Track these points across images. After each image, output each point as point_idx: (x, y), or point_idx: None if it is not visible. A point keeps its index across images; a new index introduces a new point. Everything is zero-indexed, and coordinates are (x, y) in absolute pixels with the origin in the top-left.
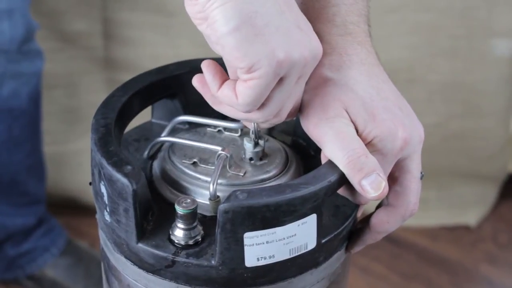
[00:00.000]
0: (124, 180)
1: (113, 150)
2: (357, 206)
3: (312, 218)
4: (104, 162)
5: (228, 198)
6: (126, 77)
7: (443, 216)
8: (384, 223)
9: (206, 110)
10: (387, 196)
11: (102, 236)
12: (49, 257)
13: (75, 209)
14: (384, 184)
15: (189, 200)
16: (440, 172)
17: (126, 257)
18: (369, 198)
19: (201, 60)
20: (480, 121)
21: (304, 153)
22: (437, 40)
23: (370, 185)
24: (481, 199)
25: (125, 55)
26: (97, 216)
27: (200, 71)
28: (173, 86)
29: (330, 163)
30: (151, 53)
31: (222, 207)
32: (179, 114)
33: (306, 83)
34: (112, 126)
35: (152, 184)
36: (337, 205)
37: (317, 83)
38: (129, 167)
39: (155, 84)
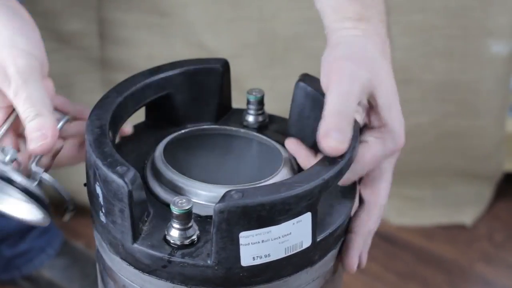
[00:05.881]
0: (119, 181)
1: (108, 151)
2: (351, 205)
3: (307, 217)
4: (99, 163)
5: (223, 198)
6: (122, 77)
7: (439, 216)
8: (366, 222)
9: (197, 110)
10: (361, 197)
11: (97, 237)
12: (45, 258)
13: None
14: (346, 146)
15: (184, 200)
16: (436, 171)
17: (121, 258)
18: (328, 146)
19: (194, 60)
20: (475, 120)
21: None
22: (431, 40)
23: (336, 138)
24: (477, 198)
25: (120, 55)
26: (92, 217)
27: (192, 71)
28: (166, 87)
29: (323, 161)
30: (146, 53)
31: (217, 207)
32: (172, 115)
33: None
34: (107, 128)
35: (146, 184)
36: (331, 203)
37: (360, 49)
38: (124, 168)
39: (148, 85)
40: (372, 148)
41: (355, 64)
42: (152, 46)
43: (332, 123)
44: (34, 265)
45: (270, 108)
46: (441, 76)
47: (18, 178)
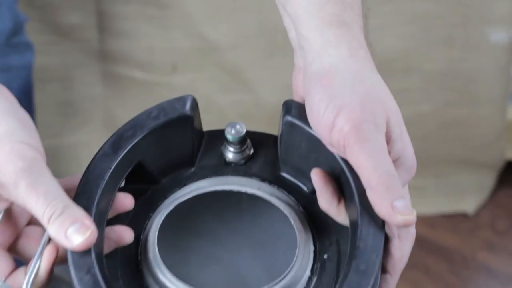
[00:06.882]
0: None
1: None
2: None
3: None
4: None
5: None
6: (121, 69)
7: (441, 204)
8: (400, 259)
9: (172, 161)
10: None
11: None
12: None
13: None
14: (414, 212)
15: None
16: (438, 160)
17: None
18: (399, 221)
19: (157, 110)
20: (477, 108)
21: (295, 190)
22: (433, 28)
23: (404, 207)
24: (479, 187)
25: (120, 47)
26: None
27: (159, 127)
28: (135, 158)
29: (356, 269)
30: (145, 45)
31: None
32: (146, 177)
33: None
34: (96, 268)
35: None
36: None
37: (356, 78)
38: None
39: (116, 169)
40: None
41: (369, 111)
42: (151, 38)
43: (387, 191)
44: None
45: (270, 100)
46: (442, 64)
47: None
